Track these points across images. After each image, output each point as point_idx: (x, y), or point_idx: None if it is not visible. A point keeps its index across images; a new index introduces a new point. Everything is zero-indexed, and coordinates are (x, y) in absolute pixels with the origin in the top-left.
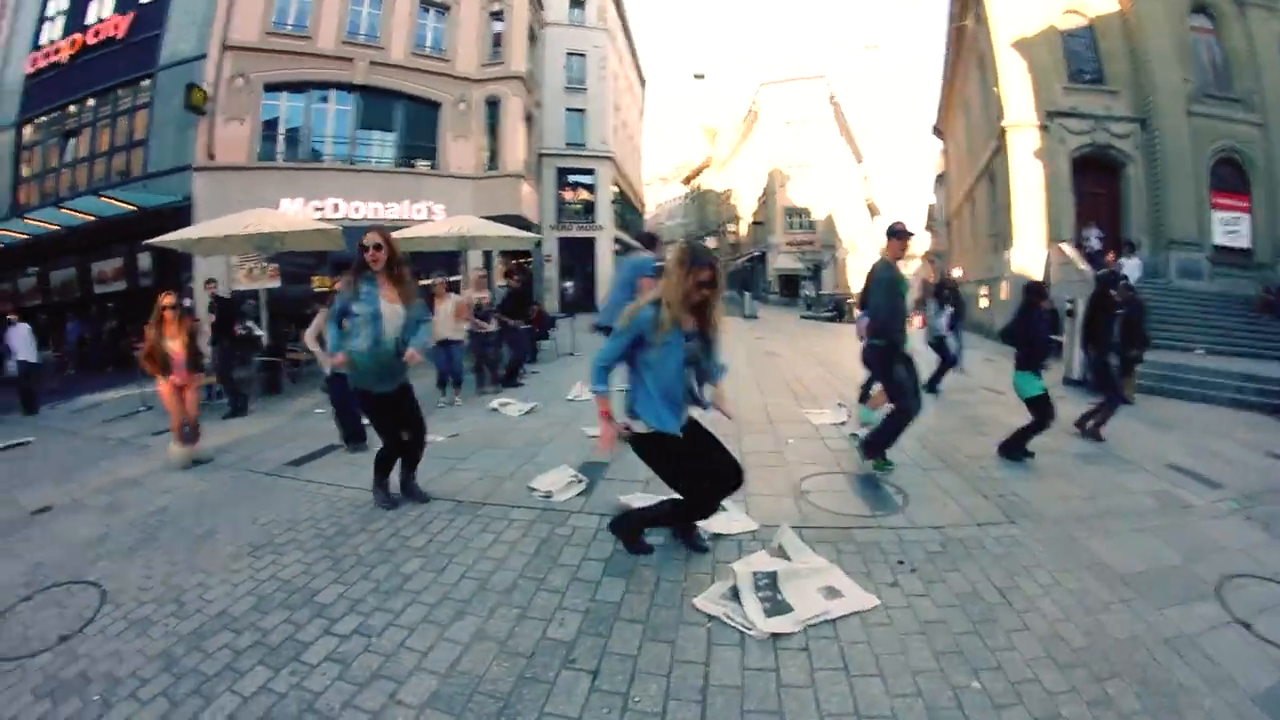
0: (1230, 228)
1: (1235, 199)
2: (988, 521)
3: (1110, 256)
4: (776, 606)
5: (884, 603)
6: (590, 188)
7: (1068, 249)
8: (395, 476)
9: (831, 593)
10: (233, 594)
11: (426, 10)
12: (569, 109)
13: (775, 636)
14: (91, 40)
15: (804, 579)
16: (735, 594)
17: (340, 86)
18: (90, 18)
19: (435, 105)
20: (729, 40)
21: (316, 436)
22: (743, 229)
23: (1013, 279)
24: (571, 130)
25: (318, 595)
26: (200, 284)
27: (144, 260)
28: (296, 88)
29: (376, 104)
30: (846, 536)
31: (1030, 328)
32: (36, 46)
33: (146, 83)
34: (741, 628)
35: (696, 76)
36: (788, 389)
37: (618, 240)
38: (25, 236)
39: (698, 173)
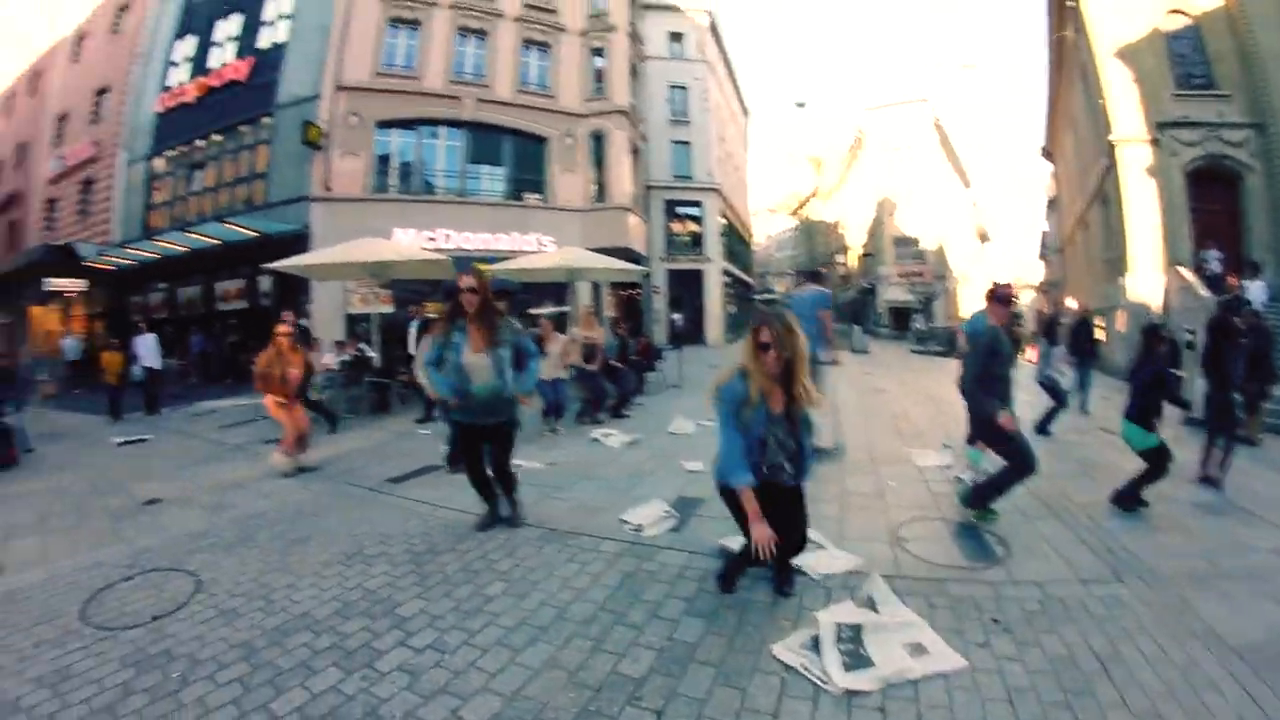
0: None
1: None
2: (1093, 579)
3: (1232, 279)
4: (857, 661)
5: (972, 664)
6: (698, 219)
7: (1185, 273)
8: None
9: (917, 650)
10: (319, 598)
11: (529, 49)
12: (674, 141)
13: (851, 693)
14: (215, 83)
15: (890, 634)
16: (816, 644)
17: (449, 123)
18: (213, 63)
19: (542, 140)
20: (830, 68)
21: (418, 456)
22: (852, 260)
23: (1130, 308)
24: (677, 162)
25: (399, 608)
26: (318, 305)
27: (264, 282)
28: (407, 124)
29: (485, 139)
30: (940, 589)
31: (1146, 375)
32: (165, 89)
33: (267, 120)
34: (818, 680)
35: (798, 105)
36: (894, 427)
37: (726, 272)
38: (155, 256)
39: (805, 203)
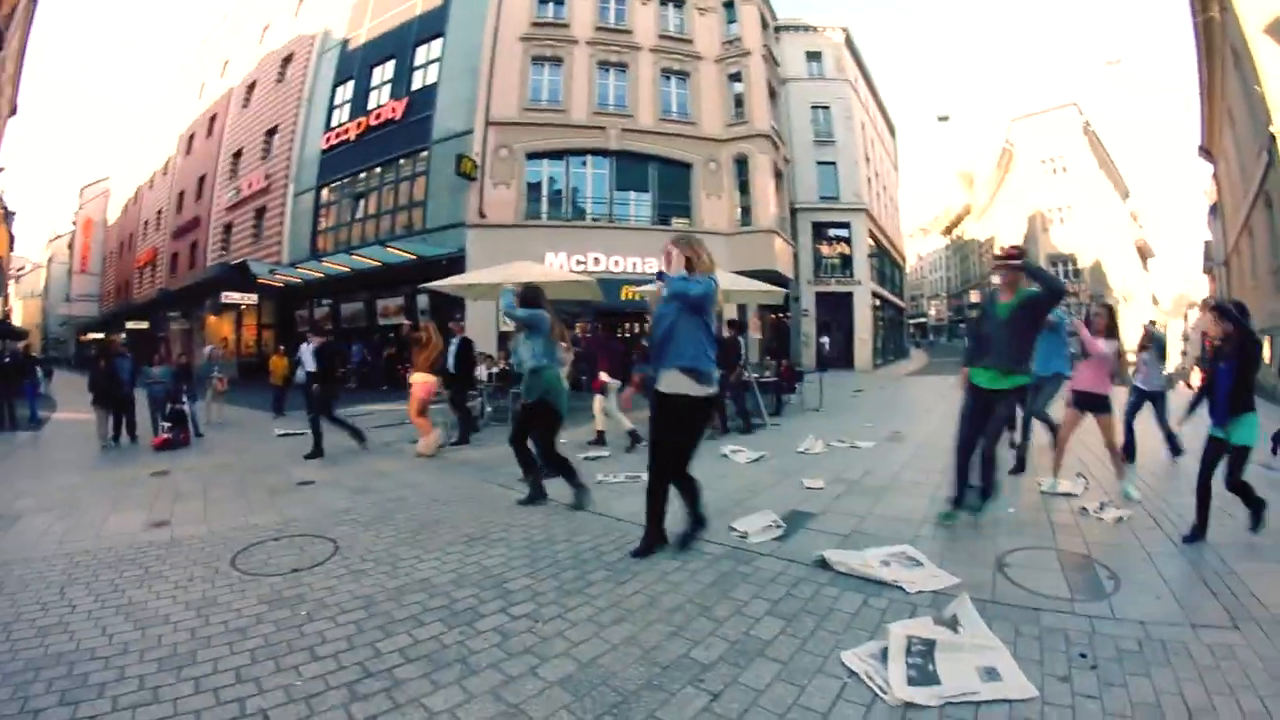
0: None
1: None
2: (1205, 624)
3: None
4: (923, 676)
5: (1044, 697)
6: (846, 240)
7: None
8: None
9: (990, 674)
10: (439, 569)
11: (668, 78)
12: (819, 162)
13: (908, 706)
14: (374, 121)
15: (964, 654)
16: (885, 655)
17: (595, 152)
18: (371, 104)
19: (686, 166)
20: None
21: None
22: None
23: None
24: (824, 183)
25: (507, 583)
26: (470, 324)
27: (421, 300)
28: (555, 155)
29: (630, 166)
30: (1032, 618)
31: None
32: (329, 128)
33: (423, 154)
34: (878, 690)
35: (941, 119)
36: (1037, 456)
37: (876, 295)
38: (321, 275)
39: (958, 221)
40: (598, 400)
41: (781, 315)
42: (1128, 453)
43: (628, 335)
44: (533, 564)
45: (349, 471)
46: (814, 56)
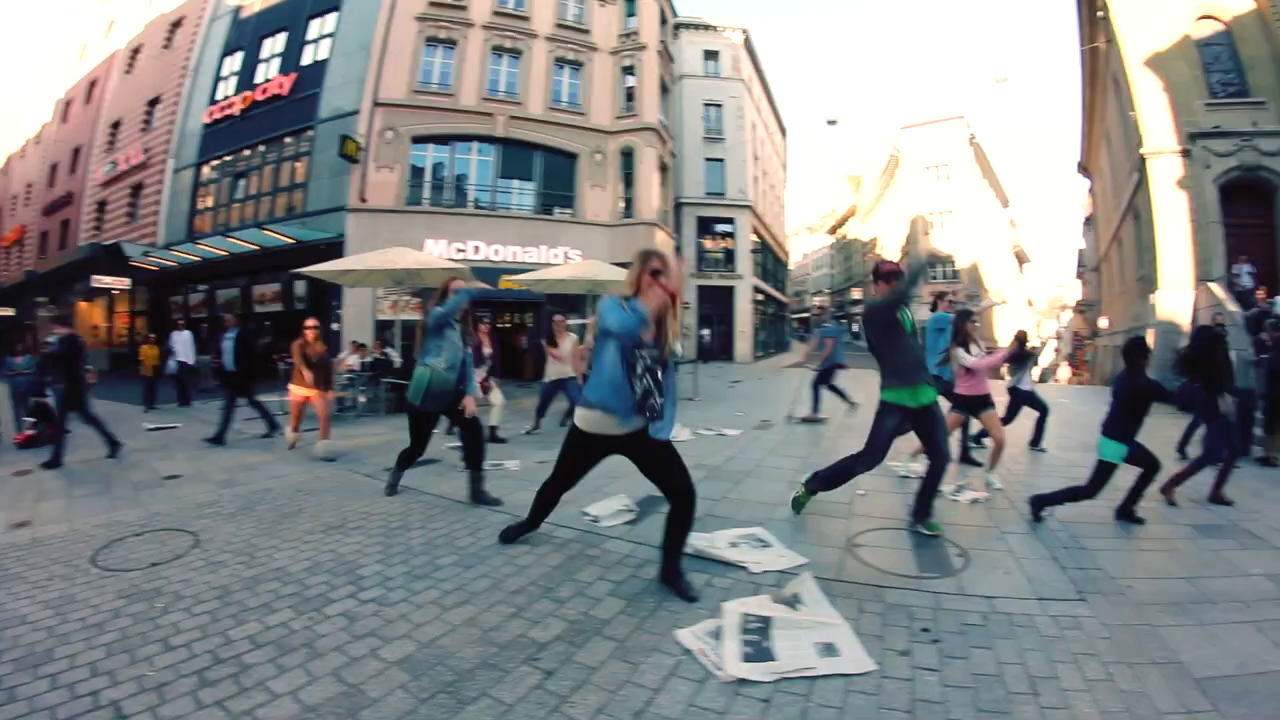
0: None
1: None
2: (1052, 596)
3: (1261, 293)
4: (758, 653)
5: (882, 671)
6: (730, 236)
7: (1216, 289)
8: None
9: (827, 650)
10: (295, 558)
11: (561, 67)
12: (708, 159)
13: (741, 682)
14: (260, 96)
15: (802, 630)
16: (721, 633)
17: (482, 139)
18: (259, 77)
19: (572, 156)
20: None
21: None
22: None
23: (1159, 326)
24: (711, 179)
25: (360, 569)
26: (349, 310)
27: (299, 287)
28: (441, 140)
29: (516, 155)
30: (877, 595)
31: (1126, 390)
32: (214, 101)
33: (309, 133)
34: (711, 667)
35: (829, 123)
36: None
37: (758, 290)
38: (197, 259)
39: (843, 221)
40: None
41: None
42: (1034, 442)
43: (508, 325)
44: (386, 551)
45: (216, 464)
46: (711, 55)
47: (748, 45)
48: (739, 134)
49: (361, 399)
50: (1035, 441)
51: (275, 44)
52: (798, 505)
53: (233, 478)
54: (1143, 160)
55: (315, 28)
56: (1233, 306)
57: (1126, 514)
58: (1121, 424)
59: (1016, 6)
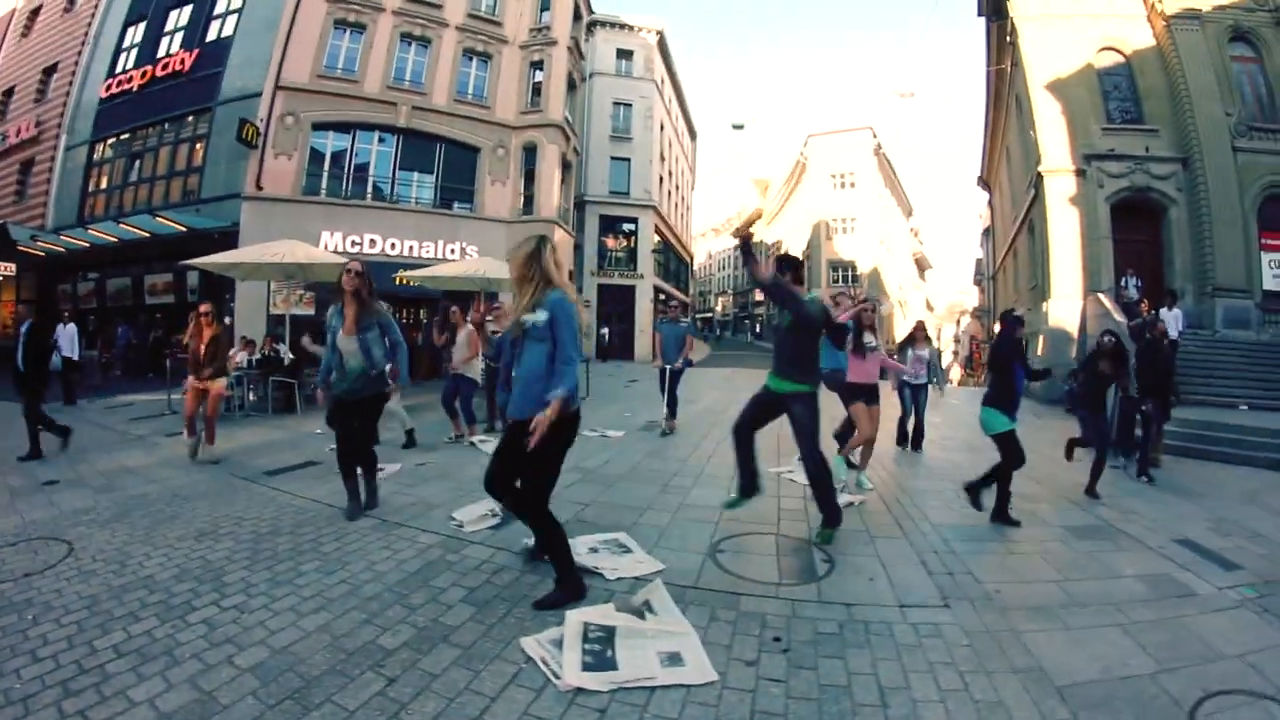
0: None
1: None
2: (915, 604)
3: (1144, 305)
4: (600, 662)
5: (725, 682)
6: (632, 235)
7: (1104, 299)
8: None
9: (672, 660)
10: (164, 565)
11: (470, 59)
12: (614, 158)
13: (578, 691)
14: (160, 72)
15: (647, 640)
16: (563, 642)
17: (384, 128)
18: (161, 51)
19: (474, 150)
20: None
21: (303, 452)
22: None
23: (1049, 333)
24: (616, 178)
25: (225, 576)
26: (241, 303)
27: (192, 278)
28: (342, 127)
29: (418, 146)
30: (732, 603)
31: (1003, 359)
32: (112, 73)
33: (206, 115)
34: (550, 675)
35: (735, 127)
36: (773, 441)
37: (659, 290)
38: (86, 245)
39: (749, 224)
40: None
41: None
42: (916, 441)
43: (404, 321)
44: (253, 557)
45: (96, 469)
46: (625, 54)
47: (662, 46)
48: (647, 134)
49: (251, 397)
50: (901, 439)
51: (181, 16)
52: (826, 538)
53: (111, 482)
54: (1040, 177)
55: (222, 2)
56: (1119, 317)
57: (1002, 516)
58: (995, 390)
59: (924, 26)
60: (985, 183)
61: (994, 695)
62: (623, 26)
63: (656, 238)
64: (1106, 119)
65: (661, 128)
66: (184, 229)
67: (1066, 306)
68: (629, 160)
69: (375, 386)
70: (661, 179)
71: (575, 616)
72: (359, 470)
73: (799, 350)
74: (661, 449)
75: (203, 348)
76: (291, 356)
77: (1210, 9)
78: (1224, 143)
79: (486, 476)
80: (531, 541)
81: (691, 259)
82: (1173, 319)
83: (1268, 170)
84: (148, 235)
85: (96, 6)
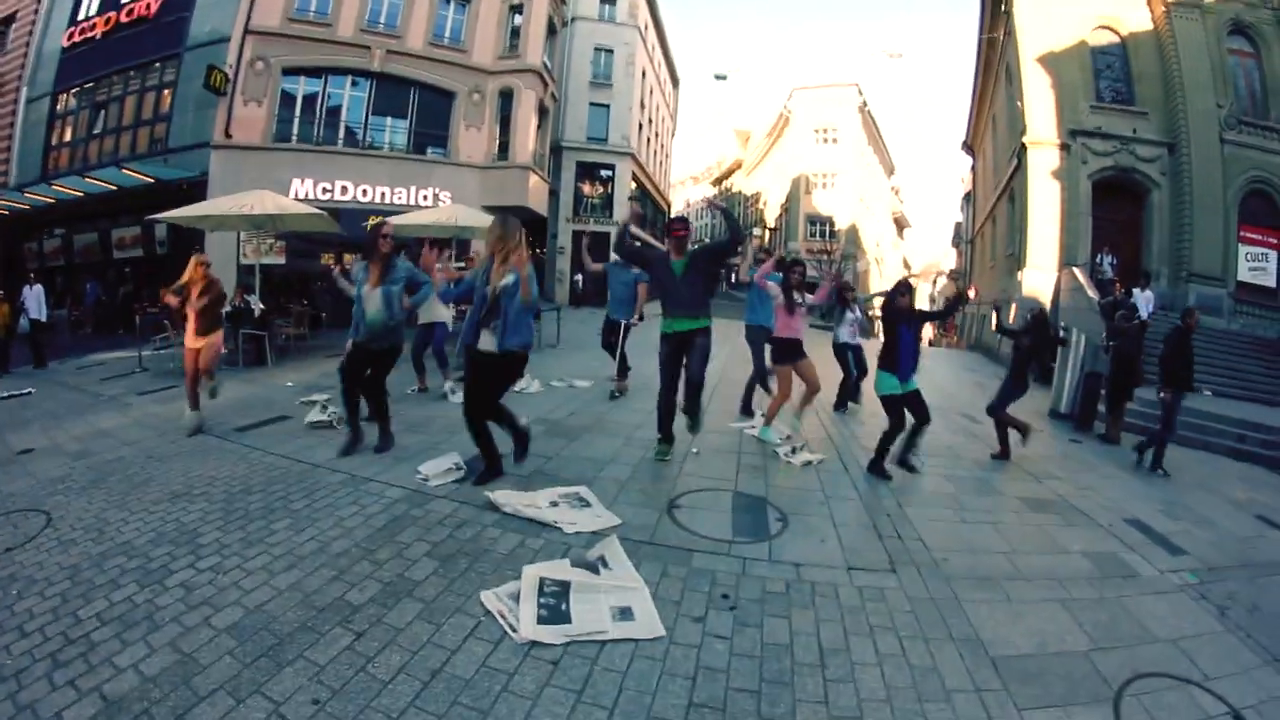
0: (1256, 264)
1: (1265, 234)
2: (862, 566)
3: (1118, 285)
4: (554, 615)
5: (672, 637)
6: (609, 182)
7: (1079, 274)
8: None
9: (623, 614)
10: (141, 530)
11: (447, 2)
12: (593, 104)
13: (533, 644)
14: (125, 18)
15: (600, 594)
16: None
17: (357, 73)
18: None
19: (449, 95)
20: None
21: (273, 408)
22: (765, 236)
23: (1021, 302)
24: (594, 125)
25: (200, 538)
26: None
27: (160, 230)
28: (314, 72)
29: (391, 91)
30: (684, 559)
31: (886, 322)
32: (74, 21)
33: (173, 62)
34: (508, 628)
35: (718, 77)
36: (732, 401)
37: (635, 237)
38: (52, 201)
39: (728, 174)
40: None
41: (538, 251)
42: (854, 395)
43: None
44: (226, 517)
45: (69, 433)
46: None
47: None
48: (628, 81)
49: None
50: (840, 403)
51: None
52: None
53: (86, 447)
54: (1024, 147)
55: None
56: (1092, 293)
57: (878, 469)
58: (883, 352)
59: None
60: (970, 148)
61: (930, 662)
62: None
63: (634, 185)
64: (1096, 97)
65: (643, 75)
66: (151, 180)
67: (1040, 277)
68: (608, 107)
69: (392, 338)
70: (641, 126)
71: (532, 571)
72: (375, 417)
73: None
74: (627, 400)
75: (198, 301)
76: (262, 307)
77: (1212, 0)
78: (1212, 133)
79: (466, 408)
80: (491, 495)
81: (670, 206)
82: (1145, 300)
83: (1253, 164)
84: (114, 188)
85: None
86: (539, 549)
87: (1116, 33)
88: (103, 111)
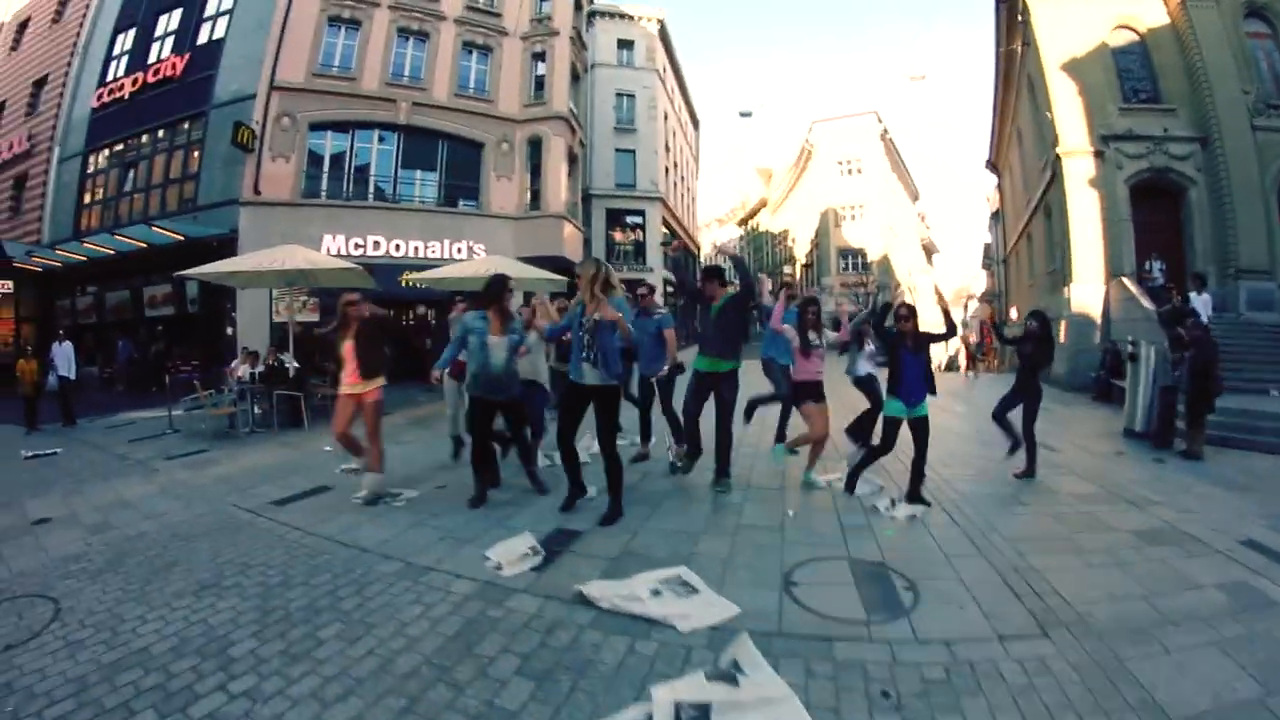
0: None
1: None
2: (1013, 634)
3: (1173, 290)
4: None
5: None
6: (640, 228)
7: (1129, 283)
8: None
9: None
10: (161, 632)
11: (470, 52)
12: (618, 150)
13: None
14: (151, 79)
15: (748, 713)
16: None
17: (384, 126)
18: (152, 57)
19: (478, 145)
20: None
21: (313, 475)
22: (797, 271)
23: (1071, 319)
24: (621, 170)
25: (231, 648)
26: (243, 313)
27: (191, 288)
28: (341, 127)
29: (419, 143)
30: (825, 651)
31: (893, 351)
32: (103, 82)
33: (199, 120)
34: None
35: (743, 115)
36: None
37: (668, 282)
38: (83, 259)
39: (753, 214)
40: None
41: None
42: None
43: (411, 321)
44: (263, 619)
45: (91, 502)
46: (626, 44)
47: (663, 35)
48: (651, 125)
49: (258, 410)
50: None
51: (171, 21)
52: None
53: (107, 519)
54: (1058, 159)
55: (213, 3)
56: (1146, 302)
57: (915, 497)
58: (891, 378)
59: (933, 6)
60: (994, 166)
61: None
62: (623, 16)
63: (664, 230)
64: (1123, 99)
65: (665, 118)
66: (181, 238)
67: (1089, 291)
68: (634, 152)
69: (512, 388)
70: (667, 170)
71: (664, 695)
72: (521, 461)
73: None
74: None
75: (352, 343)
76: (296, 366)
77: None
78: (1242, 121)
79: (560, 434)
80: (584, 588)
81: (699, 249)
82: (1202, 303)
83: None
84: (144, 246)
85: (85, 15)
86: (654, 655)
87: (1135, 31)
88: (132, 170)
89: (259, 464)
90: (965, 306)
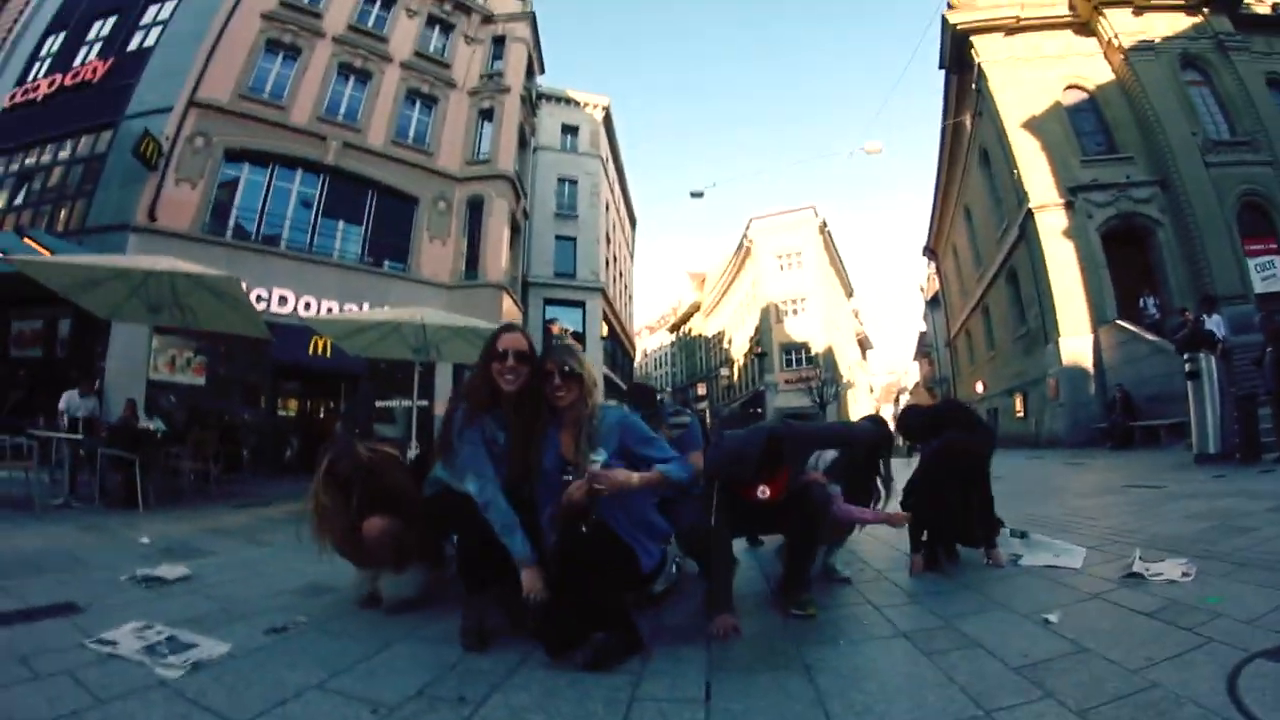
0: (1266, 272)
1: (1265, 242)
2: None
3: (1187, 315)
4: None
5: None
6: (579, 322)
7: (1127, 325)
8: None
9: None
10: None
11: (413, 101)
12: (559, 236)
13: None
14: (69, 82)
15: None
16: None
17: (309, 166)
18: (77, 61)
19: (412, 201)
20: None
21: (83, 581)
22: (735, 372)
23: (1063, 373)
24: (561, 259)
25: None
26: (114, 362)
27: (64, 326)
28: (260, 159)
29: (346, 191)
30: None
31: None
32: (21, 83)
33: (109, 130)
34: None
35: (694, 195)
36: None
37: (608, 379)
38: None
39: (685, 319)
40: None
41: None
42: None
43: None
44: None
45: None
46: (570, 130)
47: (608, 122)
48: (593, 212)
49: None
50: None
51: (104, 26)
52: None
53: None
54: (1029, 215)
55: (151, 13)
56: (1150, 337)
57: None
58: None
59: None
60: (933, 251)
61: None
62: (569, 101)
63: (604, 324)
64: (1083, 152)
65: (607, 207)
66: (47, 254)
67: (1078, 343)
68: (574, 239)
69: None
70: (608, 262)
71: None
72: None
73: None
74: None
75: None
76: (163, 429)
77: (1160, 40)
78: (1195, 160)
79: None
80: None
81: (634, 350)
82: (1215, 324)
83: (1239, 180)
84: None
85: (25, 9)
86: None
87: (1084, 89)
88: (26, 183)
89: (20, 549)
90: (895, 400)
